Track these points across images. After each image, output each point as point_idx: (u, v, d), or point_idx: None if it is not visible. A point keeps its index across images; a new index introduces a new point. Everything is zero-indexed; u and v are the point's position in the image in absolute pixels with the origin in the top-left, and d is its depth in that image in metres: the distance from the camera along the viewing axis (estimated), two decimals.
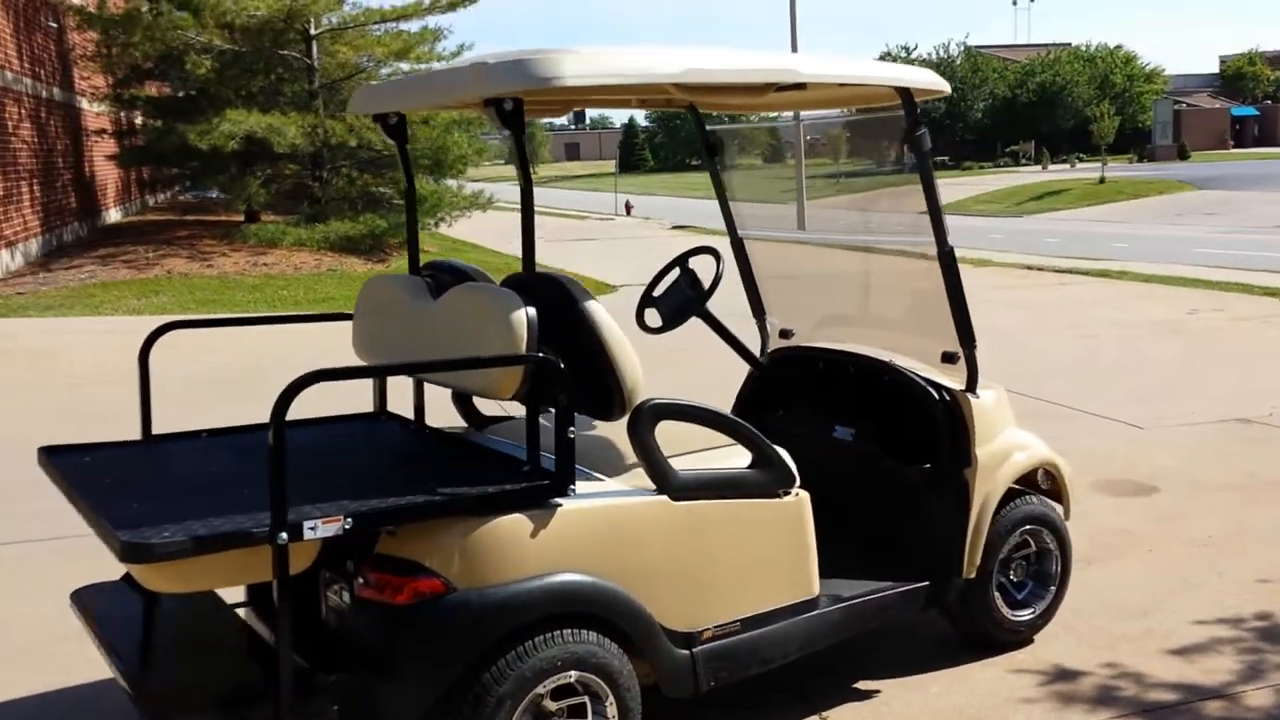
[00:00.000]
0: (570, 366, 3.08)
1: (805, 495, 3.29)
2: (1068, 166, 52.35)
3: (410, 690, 2.66)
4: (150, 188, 28.44)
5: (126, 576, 3.03)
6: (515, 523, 2.74)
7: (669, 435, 3.18)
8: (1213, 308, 12.12)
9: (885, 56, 66.86)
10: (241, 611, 3.27)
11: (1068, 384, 8.32)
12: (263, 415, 2.53)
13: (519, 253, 2.95)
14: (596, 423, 3.49)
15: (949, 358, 3.74)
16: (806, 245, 4.51)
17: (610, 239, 24.56)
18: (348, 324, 3.73)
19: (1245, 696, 3.55)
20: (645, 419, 2.99)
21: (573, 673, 2.80)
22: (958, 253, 3.65)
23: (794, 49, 26.29)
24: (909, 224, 3.87)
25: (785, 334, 4.48)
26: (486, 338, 2.91)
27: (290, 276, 14.75)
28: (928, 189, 3.57)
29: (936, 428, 3.70)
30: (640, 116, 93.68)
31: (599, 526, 2.88)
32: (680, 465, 3.11)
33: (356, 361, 3.56)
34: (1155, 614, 4.19)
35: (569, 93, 3.06)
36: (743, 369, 4.45)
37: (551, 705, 2.84)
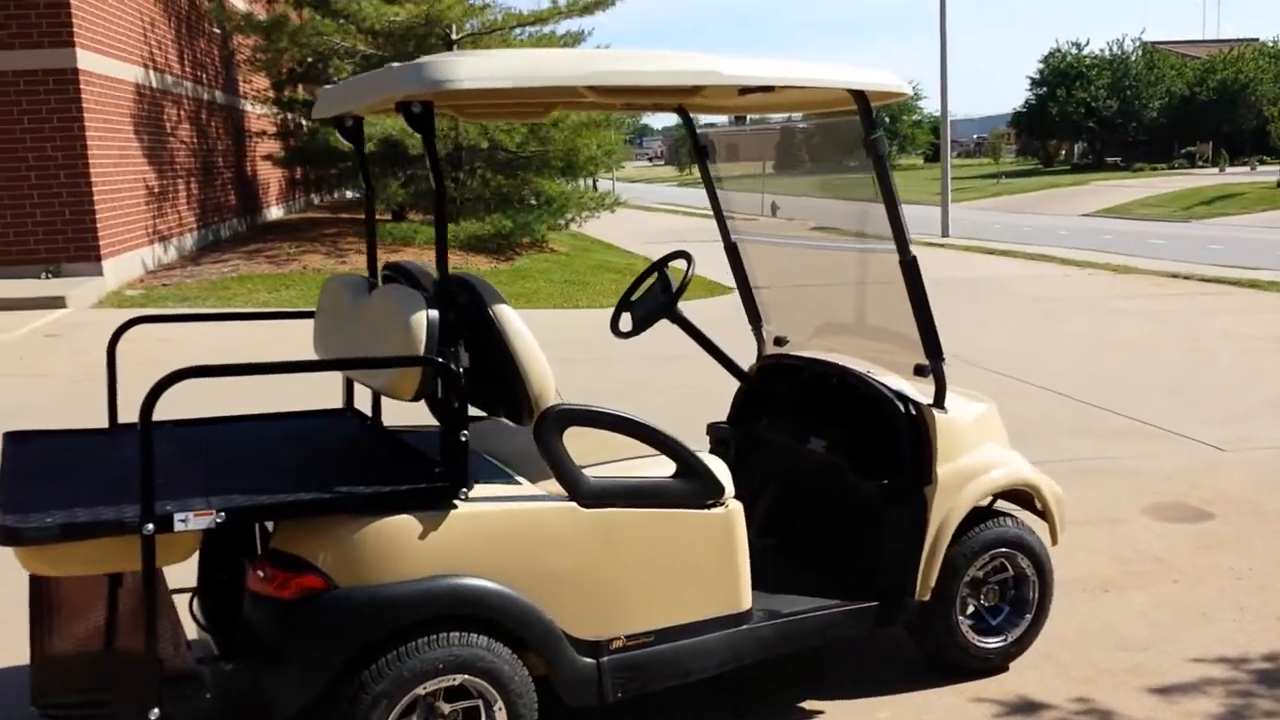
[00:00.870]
0: (486, 370, 3.13)
1: (736, 507, 3.24)
2: (1247, 169, 49.26)
3: (292, 682, 2.75)
4: (316, 186, 29.74)
5: None
6: (403, 524, 2.80)
7: (604, 442, 3.19)
8: None
9: (1054, 53, 64.33)
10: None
11: (1162, 400, 7.88)
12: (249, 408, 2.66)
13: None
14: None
15: (920, 370, 3.62)
16: (801, 251, 4.41)
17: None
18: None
19: None
20: (550, 425, 3.00)
21: (458, 676, 2.84)
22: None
23: (942, 45, 25.57)
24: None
25: (780, 341, 4.41)
26: (390, 339, 2.98)
27: None
28: (886, 194, 3.47)
29: (899, 442, 3.59)
30: (797, 115, 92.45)
31: (498, 531, 2.91)
32: (604, 473, 3.11)
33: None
34: (1153, 648, 3.95)
35: (479, 96, 3.09)
36: None
37: (445, 707, 2.89)
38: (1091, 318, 12.26)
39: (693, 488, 3.17)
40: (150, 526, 2.52)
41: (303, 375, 2.96)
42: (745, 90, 3.62)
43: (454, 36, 18.61)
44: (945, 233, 25.17)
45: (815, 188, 5.03)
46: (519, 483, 3.08)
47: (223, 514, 2.61)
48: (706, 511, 3.19)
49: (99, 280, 13.64)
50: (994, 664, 3.75)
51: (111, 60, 14.65)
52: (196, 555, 3.13)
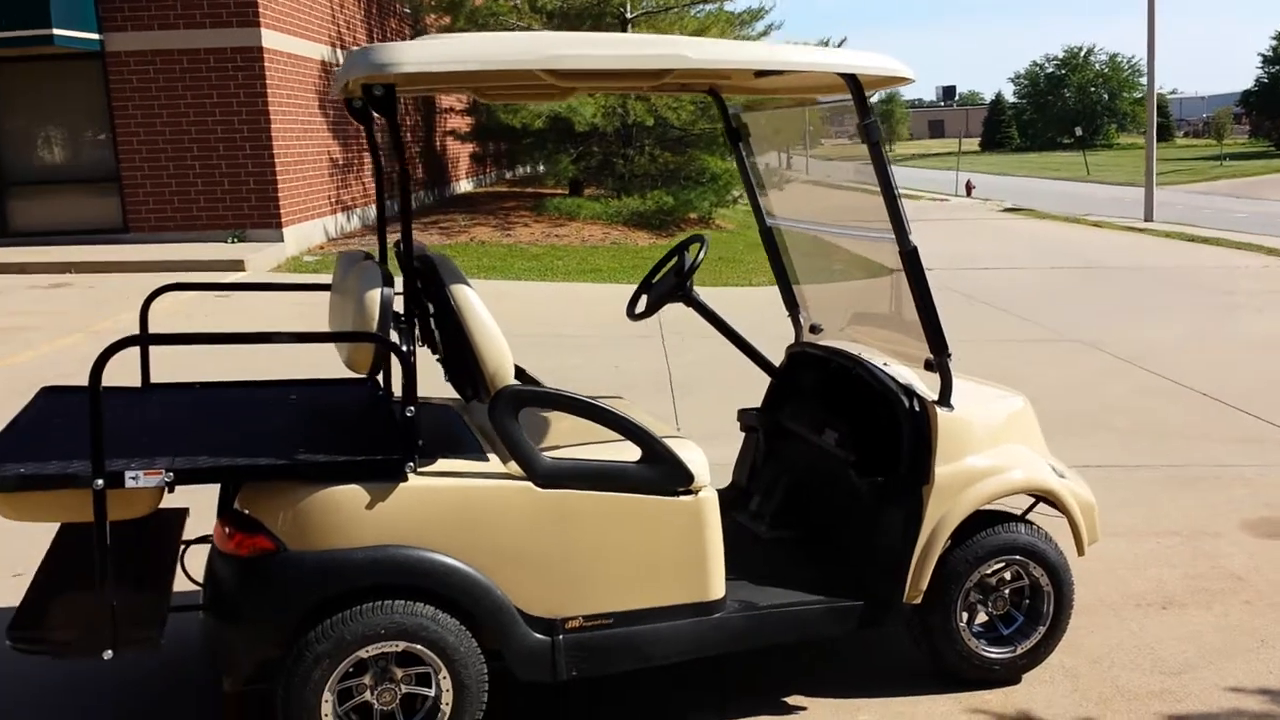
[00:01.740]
0: (451, 348, 3.18)
1: (708, 496, 3.20)
2: None
3: (242, 637, 2.90)
4: (509, 161, 30.57)
5: None
6: (352, 493, 2.89)
7: (580, 425, 3.20)
8: None
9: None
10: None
11: None
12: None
13: None
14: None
15: (929, 366, 3.47)
16: (840, 238, 4.26)
17: (927, 220, 23.71)
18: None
19: None
20: (503, 404, 3.03)
21: (400, 643, 2.92)
22: None
23: (1150, 21, 24.00)
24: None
25: (815, 329, 4.30)
26: (350, 315, 3.07)
27: (571, 248, 15.52)
28: (883, 183, 3.33)
29: (900, 439, 3.45)
30: (1008, 93, 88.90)
31: (449, 506, 2.97)
32: (570, 455, 3.13)
33: None
34: (1191, 673, 3.66)
35: (434, 80, 3.13)
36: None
37: (398, 672, 2.98)
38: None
39: (658, 474, 3.13)
40: (100, 482, 2.70)
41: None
42: (761, 74, 3.54)
43: (628, 15, 18.78)
44: (1149, 217, 23.70)
45: (849, 173, 4.84)
46: (487, 459, 3.12)
47: (171, 474, 2.77)
48: (674, 499, 3.16)
49: (279, 246, 14.48)
50: (999, 675, 3.56)
51: (296, 39, 15.47)
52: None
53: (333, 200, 16.85)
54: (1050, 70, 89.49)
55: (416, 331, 3.07)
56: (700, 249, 3.97)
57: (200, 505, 3.67)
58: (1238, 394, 7.54)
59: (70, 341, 9.47)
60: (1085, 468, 5.84)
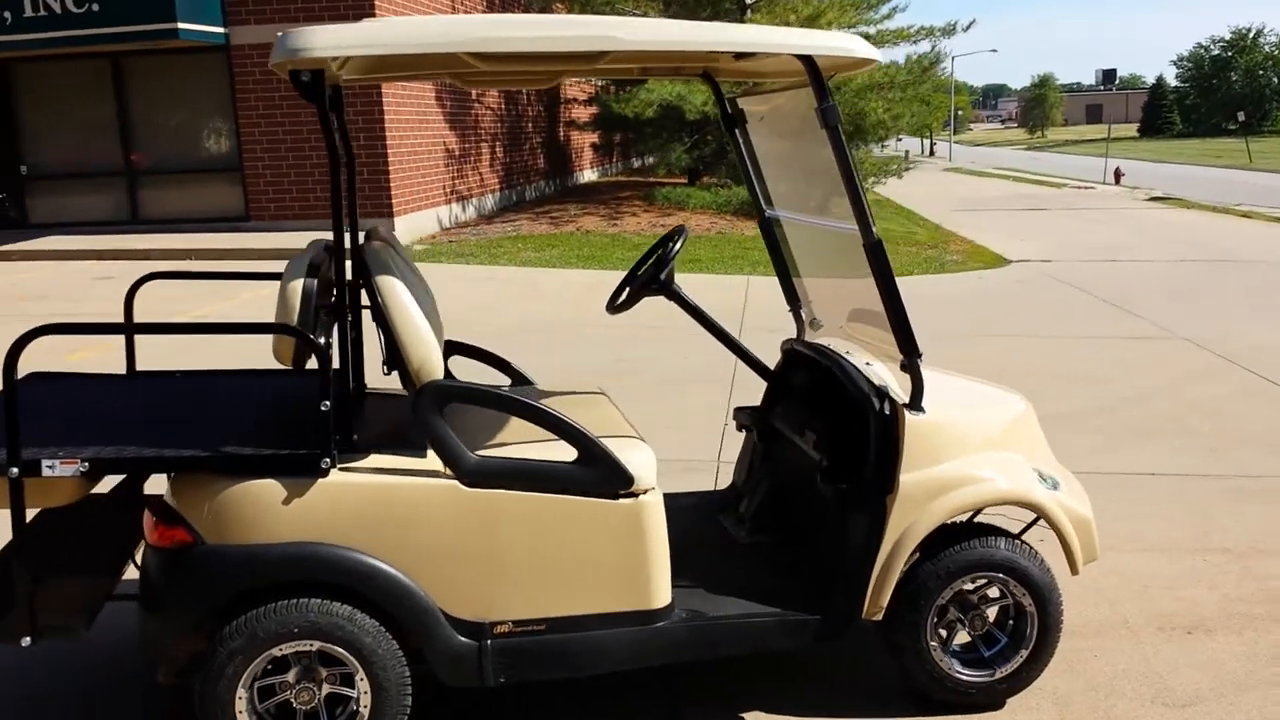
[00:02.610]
0: (389, 341, 3.12)
1: (650, 500, 3.06)
2: None
3: (164, 628, 2.90)
4: (624, 151, 30.58)
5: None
6: (268, 488, 2.86)
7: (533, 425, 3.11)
8: None
9: None
10: None
11: None
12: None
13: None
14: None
15: (904, 367, 3.26)
16: (837, 231, 4.05)
17: (1064, 209, 22.74)
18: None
19: None
20: (427, 399, 2.95)
21: (314, 642, 2.88)
22: None
23: None
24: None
25: (816, 325, 4.10)
26: (277, 306, 3.04)
27: None
28: (844, 171, 3.13)
29: (867, 444, 3.25)
30: (1170, 76, 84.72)
31: (369, 503, 2.91)
32: (504, 454, 3.04)
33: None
34: (1197, 706, 3.35)
35: (367, 67, 3.06)
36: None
37: (323, 672, 2.94)
38: None
39: (593, 475, 3.01)
40: (15, 470, 2.74)
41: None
42: (740, 56, 3.38)
43: (748, 1, 18.51)
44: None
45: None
46: (425, 456, 3.05)
47: (86, 463, 2.79)
48: (612, 501, 3.03)
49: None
50: (976, 699, 3.32)
51: None
52: None
53: (447, 190, 17.14)
54: (1216, 52, 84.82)
55: (348, 322, 3.01)
56: (678, 240, 3.82)
57: None
58: None
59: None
60: (1142, 475, 5.48)
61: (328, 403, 2.86)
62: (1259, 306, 10.72)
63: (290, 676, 2.93)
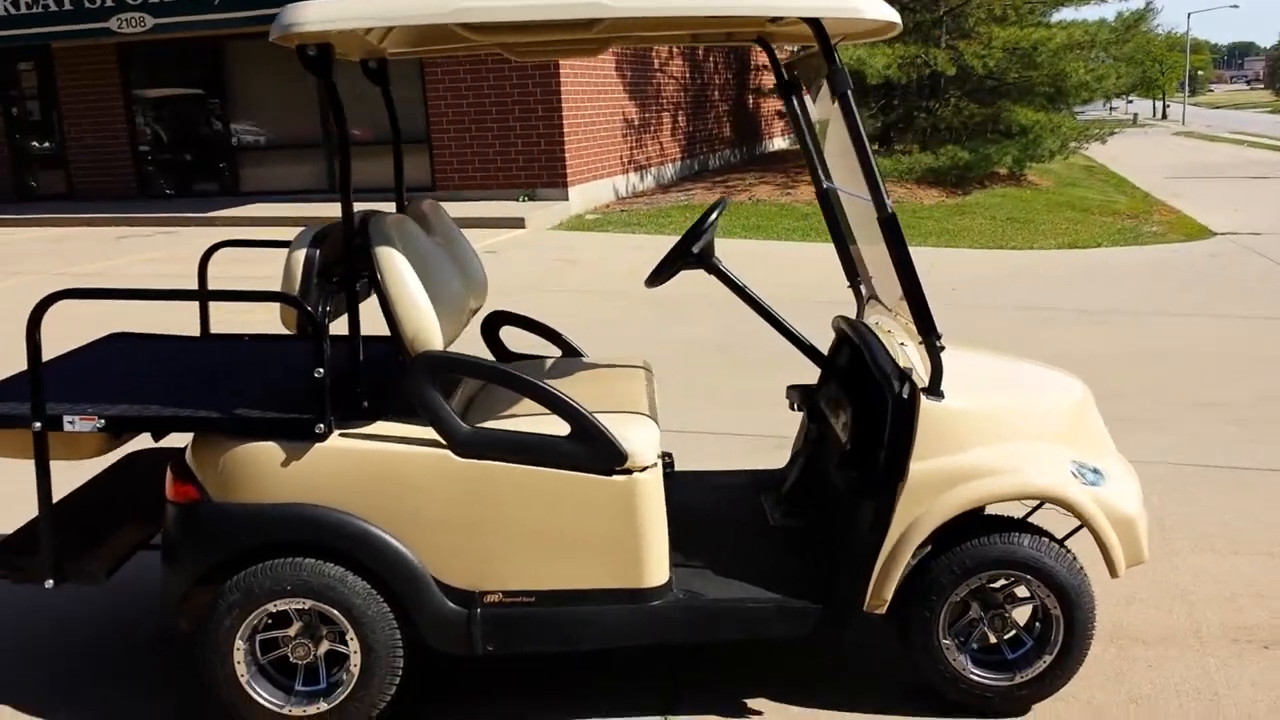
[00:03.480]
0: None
1: (646, 478, 3.02)
2: None
3: (176, 580, 3.08)
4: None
5: None
6: (268, 450, 2.98)
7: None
8: None
9: None
10: None
11: None
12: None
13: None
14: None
15: (927, 349, 3.08)
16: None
17: None
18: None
19: None
20: (417, 370, 3.00)
21: (306, 600, 2.99)
22: None
23: None
24: None
25: (876, 301, 3.92)
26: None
27: None
28: (855, 140, 2.97)
29: (883, 429, 3.10)
30: None
31: (365, 469, 2.99)
32: (500, 425, 3.07)
33: None
34: None
35: (363, 45, 3.10)
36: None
37: (323, 629, 3.06)
38: None
39: (586, 450, 2.99)
40: (38, 425, 2.95)
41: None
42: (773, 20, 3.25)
43: None
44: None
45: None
46: (426, 425, 3.09)
47: (102, 420, 2.98)
48: (606, 478, 3.01)
49: (564, 205, 15.08)
50: (994, 703, 3.13)
51: None
52: None
53: (625, 160, 17.27)
54: None
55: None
56: (715, 212, 3.71)
57: None
58: None
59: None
60: (1262, 471, 5.01)
61: (321, 370, 2.94)
62: None
63: (291, 631, 3.06)
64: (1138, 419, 5.80)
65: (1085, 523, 3.06)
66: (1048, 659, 3.10)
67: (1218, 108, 62.30)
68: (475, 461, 2.99)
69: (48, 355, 3.04)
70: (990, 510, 3.17)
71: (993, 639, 3.16)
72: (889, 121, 18.46)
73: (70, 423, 2.98)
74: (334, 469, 2.99)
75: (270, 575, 2.98)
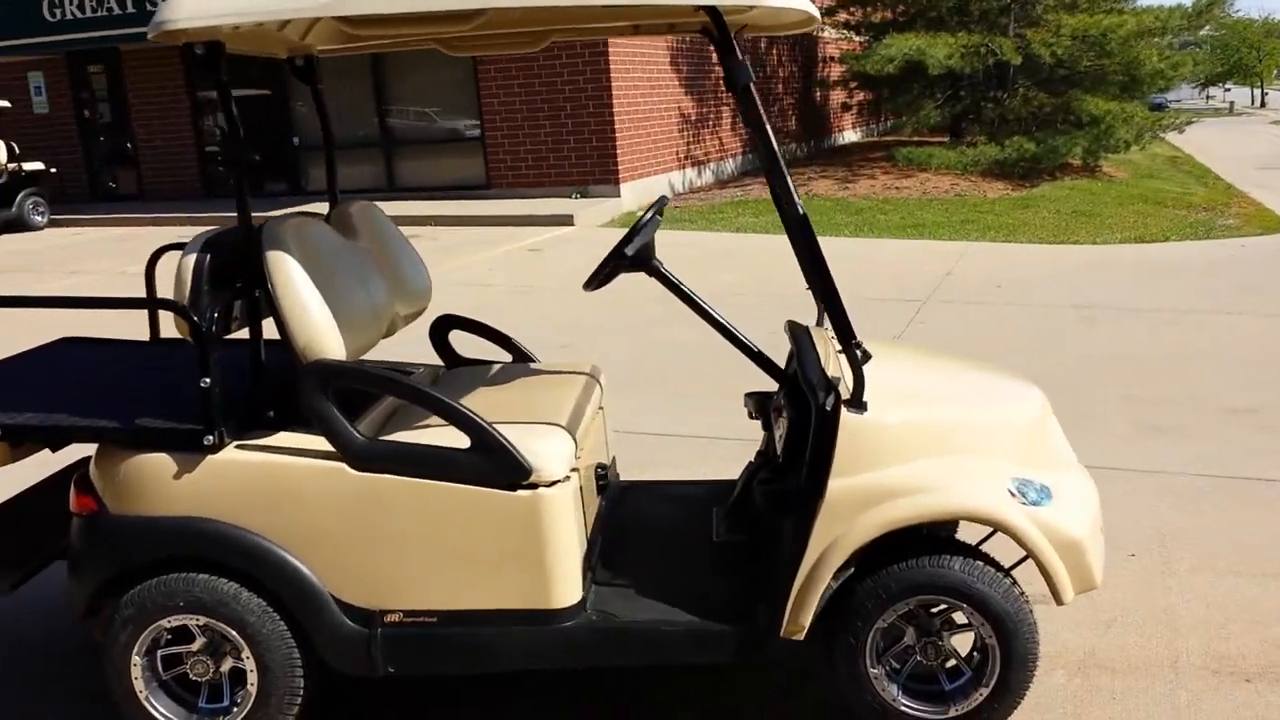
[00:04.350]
0: None
1: (552, 493, 2.86)
2: None
3: (76, 589, 3.00)
4: (887, 110, 29.27)
5: None
6: (161, 462, 2.89)
7: (534, 402, 3.02)
8: None
9: None
10: None
11: None
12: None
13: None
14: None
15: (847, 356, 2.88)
16: None
17: None
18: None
19: None
20: (309, 379, 2.87)
21: (200, 617, 2.89)
22: None
23: None
24: None
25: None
26: None
27: (905, 201, 14.65)
28: (759, 136, 2.78)
29: (804, 443, 2.90)
30: None
31: (258, 481, 2.88)
32: (399, 437, 2.94)
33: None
34: None
35: (250, 39, 2.99)
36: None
37: (226, 647, 2.97)
38: None
39: (485, 464, 2.84)
40: None
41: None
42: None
43: None
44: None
45: None
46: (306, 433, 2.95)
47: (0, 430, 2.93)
48: (508, 493, 2.86)
49: (615, 201, 14.96)
50: None
51: None
52: None
53: (681, 155, 17.09)
54: None
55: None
56: (650, 212, 3.52)
57: None
58: None
59: None
60: None
61: (208, 380, 2.84)
62: None
63: (194, 647, 2.97)
64: (1165, 425, 5.47)
65: (1022, 545, 2.82)
66: (984, 692, 2.87)
67: None
68: (371, 475, 2.86)
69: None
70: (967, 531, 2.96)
71: (927, 668, 2.94)
72: (956, 113, 17.97)
73: None
74: (227, 482, 2.88)
75: (163, 590, 2.90)
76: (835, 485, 2.79)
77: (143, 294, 3.40)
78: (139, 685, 2.95)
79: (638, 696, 3.29)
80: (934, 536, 2.99)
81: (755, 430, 3.62)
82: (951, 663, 2.94)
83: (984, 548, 2.99)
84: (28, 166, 16.58)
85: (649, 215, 3.46)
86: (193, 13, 2.68)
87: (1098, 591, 3.67)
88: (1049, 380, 5.94)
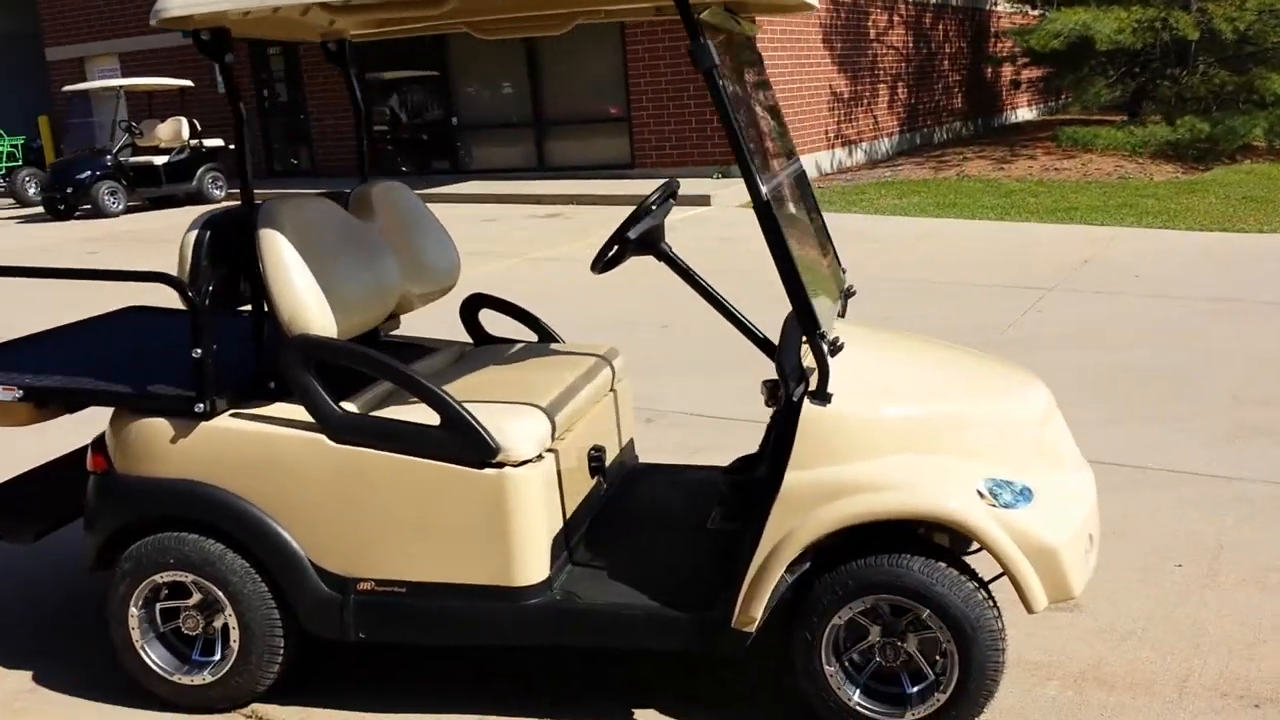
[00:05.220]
0: None
1: (519, 474, 2.91)
2: None
3: (89, 542, 3.23)
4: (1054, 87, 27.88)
5: None
6: (158, 426, 3.08)
7: (529, 381, 3.10)
8: None
9: None
10: None
11: None
12: None
13: None
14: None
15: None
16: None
17: None
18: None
19: None
20: (291, 353, 2.99)
21: (187, 574, 3.07)
22: None
23: None
24: None
25: (850, 293, 3.62)
26: None
27: (1060, 183, 13.96)
28: (724, 122, 2.72)
29: (769, 435, 2.85)
30: None
31: (243, 449, 3.03)
32: (379, 412, 3.05)
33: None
34: None
35: (248, 26, 3.09)
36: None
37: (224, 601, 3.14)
38: None
39: (453, 442, 2.91)
40: None
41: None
42: None
43: None
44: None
45: None
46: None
47: (19, 390, 3.17)
48: (476, 471, 2.92)
49: None
50: None
51: None
52: None
53: (831, 135, 16.79)
54: None
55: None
56: (656, 195, 3.49)
57: None
58: None
59: (503, 265, 10.64)
60: None
61: (199, 350, 3.00)
62: None
63: (191, 603, 3.15)
64: (1266, 427, 5.10)
65: (987, 549, 2.70)
66: (940, 698, 2.77)
67: None
68: (349, 448, 2.97)
69: None
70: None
71: (886, 668, 2.86)
72: (1131, 91, 17.03)
73: None
74: (218, 448, 3.05)
75: (157, 547, 3.09)
76: (791, 477, 2.74)
77: None
78: (135, 635, 3.15)
79: (647, 691, 3.31)
80: (924, 538, 2.88)
81: None
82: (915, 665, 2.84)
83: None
84: (208, 143, 17.65)
85: (655, 198, 3.45)
86: (184, 2, 2.82)
87: (1124, 601, 3.53)
88: (1157, 376, 5.58)
